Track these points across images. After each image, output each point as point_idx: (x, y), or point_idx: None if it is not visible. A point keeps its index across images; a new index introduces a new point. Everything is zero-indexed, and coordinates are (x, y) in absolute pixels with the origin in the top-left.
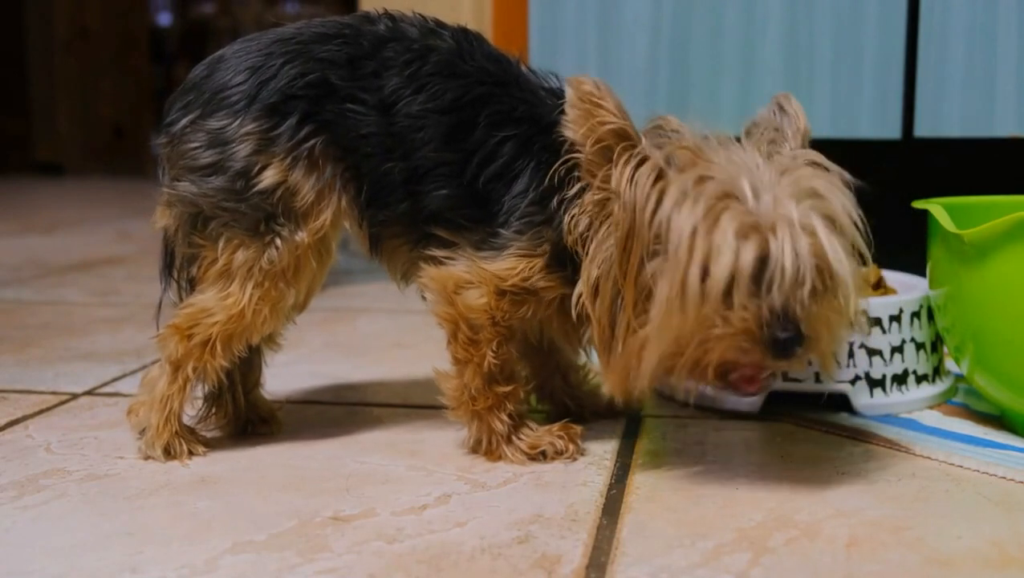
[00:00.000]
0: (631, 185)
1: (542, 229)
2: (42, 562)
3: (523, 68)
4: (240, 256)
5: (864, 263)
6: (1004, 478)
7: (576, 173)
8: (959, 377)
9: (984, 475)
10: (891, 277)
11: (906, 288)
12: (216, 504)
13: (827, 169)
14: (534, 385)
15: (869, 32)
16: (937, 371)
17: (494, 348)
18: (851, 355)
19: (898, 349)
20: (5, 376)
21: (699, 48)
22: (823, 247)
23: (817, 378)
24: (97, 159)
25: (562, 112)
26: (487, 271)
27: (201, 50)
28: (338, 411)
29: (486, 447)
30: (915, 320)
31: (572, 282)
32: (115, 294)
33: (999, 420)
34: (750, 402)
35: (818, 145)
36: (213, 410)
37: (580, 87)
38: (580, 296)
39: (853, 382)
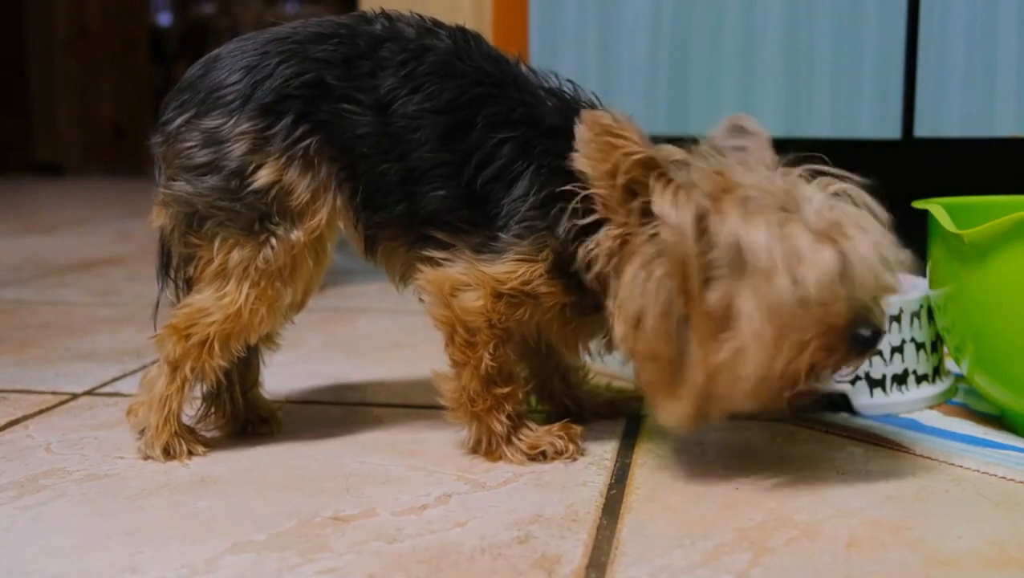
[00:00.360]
0: (677, 211)
1: (544, 235)
2: (42, 562)
3: (522, 68)
4: (236, 256)
5: None
6: (1004, 478)
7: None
8: (959, 377)
9: (984, 475)
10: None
11: (906, 288)
12: (216, 504)
13: (837, 176)
14: (533, 386)
15: (869, 32)
16: (937, 371)
17: (491, 350)
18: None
19: (898, 349)
20: (5, 376)
21: (699, 48)
22: (884, 244)
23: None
24: (97, 159)
25: (562, 113)
26: (485, 274)
27: (201, 50)
28: (338, 411)
29: (486, 448)
30: (915, 320)
31: (574, 291)
32: (115, 294)
33: (999, 420)
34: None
35: (818, 145)
36: (212, 410)
37: (597, 121)
38: (623, 336)
39: (853, 382)
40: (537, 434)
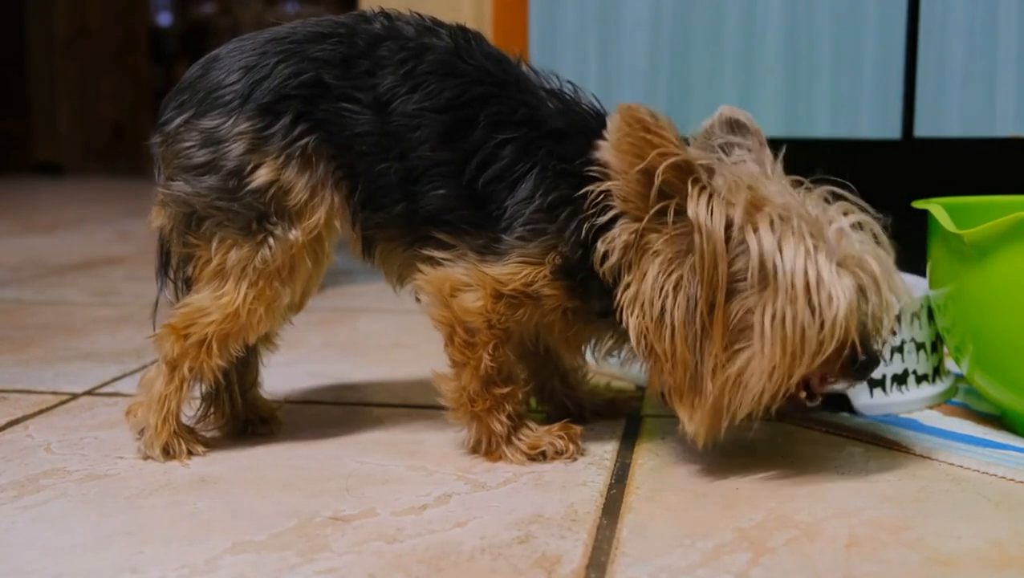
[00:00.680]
0: (712, 219)
1: (551, 240)
2: (42, 562)
3: (524, 68)
4: (233, 255)
5: None
6: (1004, 478)
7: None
8: (959, 377)
9: (984, 475)
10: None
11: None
12: (216, 504)
13: (854, 203)
14: (533, 386)
15: (869, 32)
16: (937, 371)
17: (490, 350)
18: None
19: (898, 349)
20: (5, 376)
21: (699, 48)
22: (896, 280)
23: None
24: (97, 159)
25: (564, 116)
26: (487, 274)
27: (201, 50)
28: (338, 411)
29: (486, 448)
30: (915, 320)
31: (578, 294)
32: (115, 294)
33: (999, 420)
34: None
35: (818, 145)
36: (211, 410)
37: (634, 113)
38: (640, 334)
39: None
40: (537, 434)
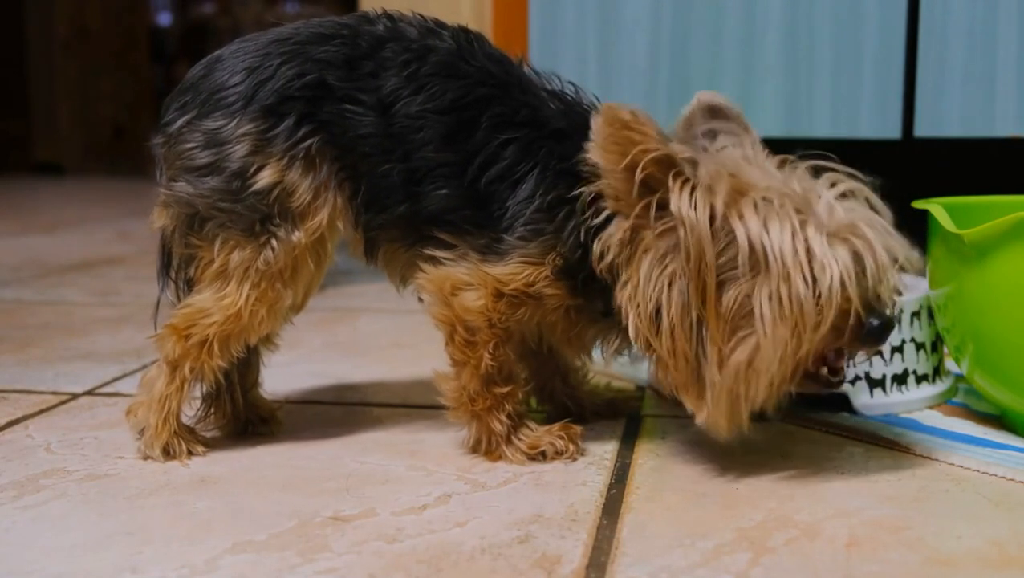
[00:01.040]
0: (694, 211)
1: (551, 240)
2: (42, 562)
3: (525, 69)
4: (236, 257)
5: None
6: (1004, 478)
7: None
8: (959, 377)
9: (984, 475)
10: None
11: (906, 288)
12: (216, 504)
13: (842, 173)
14: (534, 386)
15: (869, 32)
16: (937, 371)
17: (491, 350)
18: (851, 355)
19: (898, 349)
20: (5, 376)
21: (699, 48)
22: (894, 243)
23: None
24: (97, 159)
25: (565, 116)
26: (488, 274)
27: (201, 50)
28: (338, 411)
29: (486, 447)
30: (915, 320)
31: (579, 293)
32: (115, 294)
33: (999, 420)
34: None
35: (818, 145)
36: (212, 410)
37: (615, 114)
38: (637, 332)
39: (853, 382)
40: (537, 434)
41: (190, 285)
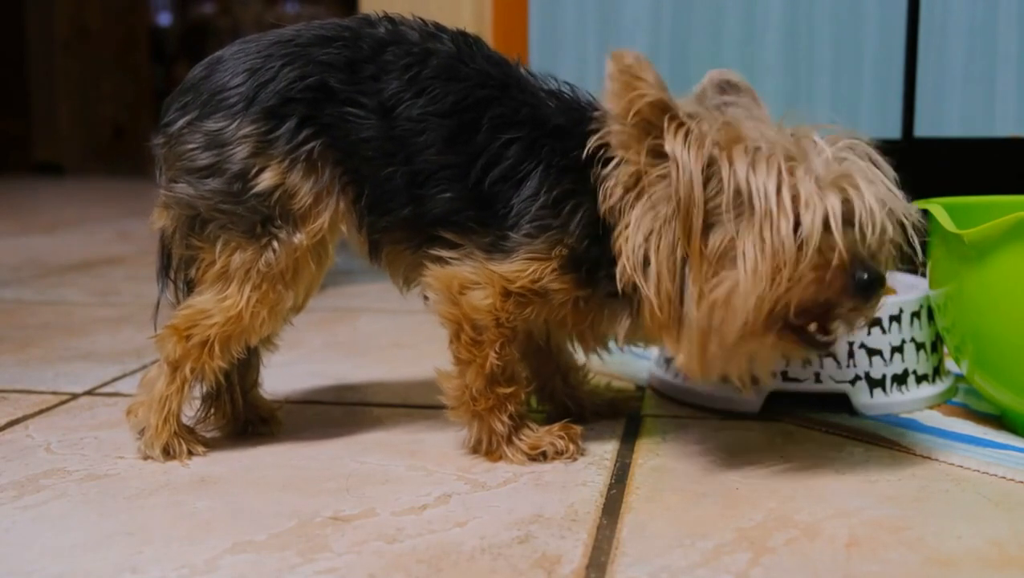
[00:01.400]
0: (686, 153)
1: (557, 234)
2: (42, 562)
3: (523, 70)
4: (237, 258)
5: None
6: (1004, 478)
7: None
8: (959, 377)
9: (984, 475)
10: (891, 277)
11: (906, 288)
12: (216, 504)
13: (844, 132)
14: (534, 386)
15: (869, 32)
16: (937, 371)
17: (497, 349)
18: (851, 355)
19: (898, 349)
20: (5, 376)
21: (699, 48)
22: (892, 194)
23: (817, 378)
24: (97, 159)
25: (564, 114)
26: (495, 272)
27: (201, 50)
28: (338, 411)
29: (486, 447)
30: (915, 320)
31: (585, 284)
32: (115, 294)
33: (999, 420)
34: (750, 402)
35: None
36: (212, 411)
37: (620, 60)
38: (623, 273)
39: (853, 382)
40: (538, 434)
41: (190, 286)
